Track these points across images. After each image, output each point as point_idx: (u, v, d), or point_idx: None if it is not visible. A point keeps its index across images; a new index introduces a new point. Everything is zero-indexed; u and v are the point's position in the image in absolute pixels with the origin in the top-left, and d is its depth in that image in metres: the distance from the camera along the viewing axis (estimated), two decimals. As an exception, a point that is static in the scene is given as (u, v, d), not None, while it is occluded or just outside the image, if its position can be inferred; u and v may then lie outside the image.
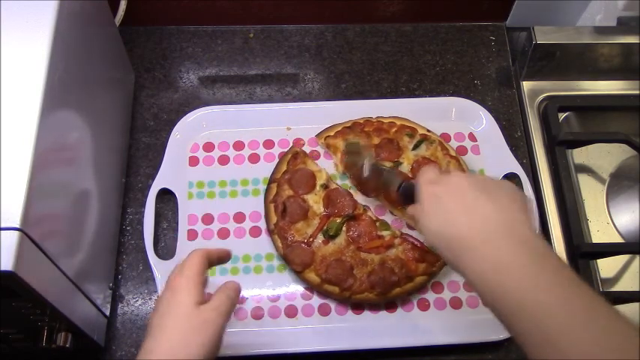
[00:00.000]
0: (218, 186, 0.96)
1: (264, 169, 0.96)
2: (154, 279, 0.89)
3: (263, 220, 0.93)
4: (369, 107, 1.01)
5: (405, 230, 0.93)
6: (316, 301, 0.89)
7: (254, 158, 0.98)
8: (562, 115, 1.04)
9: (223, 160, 0.98)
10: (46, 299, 0.63)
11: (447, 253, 0.64)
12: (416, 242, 0.90)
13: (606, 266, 0.96)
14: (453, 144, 1.00)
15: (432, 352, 0.87)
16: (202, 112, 1.00)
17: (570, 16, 1.11)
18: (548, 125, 1.02)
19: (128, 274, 0.92)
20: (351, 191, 0.95)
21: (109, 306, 0.88)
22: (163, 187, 0.94)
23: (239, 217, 0.94)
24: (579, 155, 1.05)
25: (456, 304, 0.89)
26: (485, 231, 0.61)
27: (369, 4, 1.10)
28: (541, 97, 1.06)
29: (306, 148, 0.99)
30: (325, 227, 0.90)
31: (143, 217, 0.92)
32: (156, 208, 0.93)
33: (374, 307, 0.89)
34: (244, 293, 0.89)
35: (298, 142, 1.00)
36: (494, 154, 0.99)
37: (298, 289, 0.90)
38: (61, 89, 0.68)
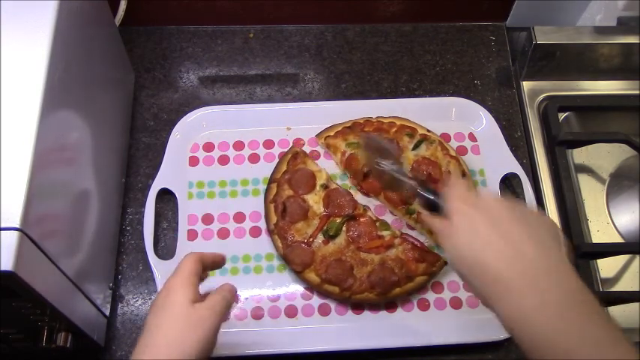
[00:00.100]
0: (218, 186, 0.96)
1: (264, 169, 0.96)
2: (153, 279, 0.89)
3: (263, 220, 0.93)
4: (369, 107, 1.01)
5: (405, 230, 0.93)
6: (316, 301, 0.89)
7: (254, 158, 0.98)
8: (562, 115, 1.04)
9: (223, 160, 0.98)
10: (46, 299, 0.63)
11: (474, 280, 0.61)
12: (416, 242, 0.90)
13: (606, 266, 0.96)
14: (453, 144, 1.00)
15: (432, 352, 0.87)
16: (202, 112, 1.00)
17: (570, 16, 1.11)
18: (548, 125, 1.02)
19: (128, 274, 0.92)
20: (351, 191, 0.95)
21: (109, 306, 0.88)
22: (163, 187, 0.94)
23: (239, 217, 0.94)
24: (579, 155, 1.05)
25: (456, 304, 0.89)
26: (529, 275, 0.57)
27: (369, 4, 1.10)
28: (541, 97, 1.06)
29: (306, 148, 0.99)
30: (325, 227, 0.90)
31: (143, 217, 0.92)
32: (156, 208, 0.93)
33: (374, 307, 0.89)
34: (244, 293, 0.89)
35: (298, 142, 1.00)
36: (494, 154, 0.99)
37: (298, 289, 0.90)
38: (61, 89, 0.68)
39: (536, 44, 1.01)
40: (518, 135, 1.04)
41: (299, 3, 1.09)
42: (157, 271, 0.88)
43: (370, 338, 0.86)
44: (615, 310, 0.92)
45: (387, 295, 0.87)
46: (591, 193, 1.02)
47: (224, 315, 0.67)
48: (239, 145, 0.99)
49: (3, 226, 0.57)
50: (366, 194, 0.96)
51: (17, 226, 0.57)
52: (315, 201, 0.92)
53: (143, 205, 0.93)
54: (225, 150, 0.98)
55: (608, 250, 0.94)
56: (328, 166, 0.97)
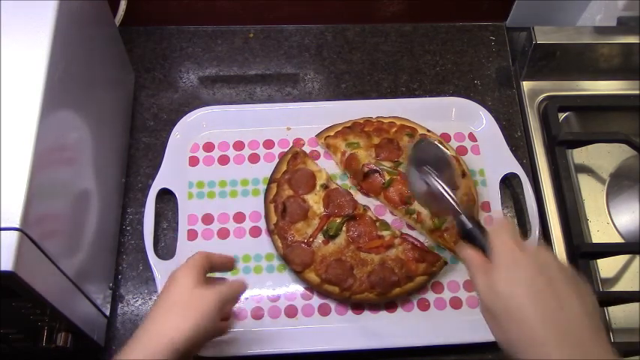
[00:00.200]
0: (218, 186, 0.96)
1: (264, 169, 0.96)
2: (154, 279, 0.89)
3: (263, 220, 0.93)
4: (369, 107, 1.01)
5: (405, 230, 0.93)
6: (316, 301, 0.89)
7: (254, 158, 0.98)
8: (562, 115, 1.04)
9: (223, 160, 0.98)
10: (46, 299, 0.63)
11: (501, 323, 0.58)
12: (416, 242, 0.90)
13: (606, 266, 0.96)
14: (453, 144, 1.00)
15: (432, 352, 0.87)
16: (202, 112, 1.00)
17: (570, 16, 1.11)
18: (548, 125, 1.02)
19: (128, 274, 0.92)
20: (351, 191, 0.95)
21: (109, 306, 0.88)
22: (163, 187, 0.94)
23: (239, 217, 0.94)
24: (579, 155, 1.05)
25: (456, 304, 0.89)
26: (569, 334, 0.55)
27: (369, 4, 1.10)
28: (541, 97, 1.06)
29: (306, 148, 0.99)
30: (325, 227, 0.90)
31: (143, 217, 0.92)
32: (156, 208, 0.93)
33: (374, 307, 0.89)
34: (244, 293, 0.89)
35: (298, 142, 1.00)
36: (494, 154, 0.99)
37: (298, 289, 0.90)
38: (61, 89, 0.68)
39: (536, 44, 1.01)
40: (518, 135, 1.04)
41: (299, 3, 1.09)
42: (157, 271, 0.88)
43: (370, 338, 0.86)
44: (615, 310, 0.92)
45: (387, 295, 0.87)
46: (591, 193, 1.02)
47: (227, 300, 0.69)
48: (239, 145, 0.99)
49: (3, 226, 0.57)
50: (366, 194, 0.96)
51: (17, 226, 0.57)
52: (315, 201, 0.92)
53: (143, 205, 0.93)
54: (225, 150, 0.98)
55: (608, 250, 0.94)
56: (328, 166, 0.97)
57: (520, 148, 1.03)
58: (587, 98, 1.06)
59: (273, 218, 0.91)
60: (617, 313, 0.92)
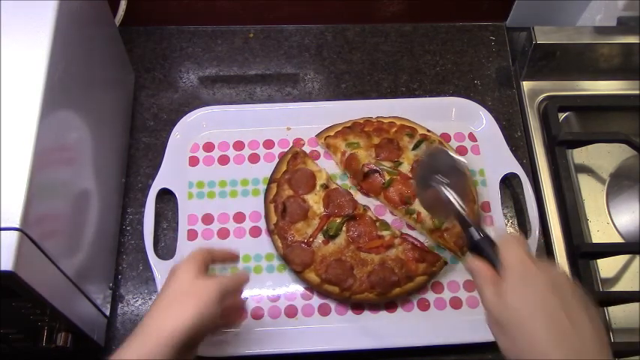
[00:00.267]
0: (218, 186, 0.96)
1: (264, 169, 0.96)
2: (154, 279, 0.89)
3: (263, 220, 0.93)
4: (369, 107, 1.01)
5: (405, 230, 0.93)
6: (316, 301, 0.89)
7: (254, 158, 0.98)
8: (562, 115, 1.04)
9: (223, 160, 0.98)
10: (46, 299, 0.63)
11: (509, 338, 0.58)
12: (416, 242, 0.90)
13: (606, 266, 0.96)
14: (453, 144, 1.00)
15: (432, 352, 0.87)
16: (202, 112, 1.00)
17: (570, 16, 1.11)
18: (548, 125, 1.02)
19: (128, 274, 0.92)
20: (351, 191, 0.95)
21: (109, 306, 0.88)
22: (163, 187, 0.94)
23: (239, 217, 0.94)
24: (579, 155, 1.05)
25: (456, 304, 0.89)
26: (580, 357, 0.55)
27: (369, 4, 1.10)
28: (541, 97, 1.06)
29: (306, 148, 0.99)
30: (325, 227, 0.90)
31: (143, 217, 0.92)
32: (156, 208, 0.93)
33: (374, 307, 0.89)
34: (244, 293, 0.89)
35: (298, 142, 1.00)
36: (494, 154, 0.99)
37: (298, 289, 0.90)
38: (61, 89, 0.68)
39: (536, 44, 1.01)
40: (518, 135, 1.04)
41: (299, 3, 1.09)
42: (157, 271, 0.88)
43: (370, 338, 0.86)
44: (615, 310, 0.92)
45: (387, 295, 0.87)
46: (591, 193, 1.02)
47: (228, 290, 0.69)
48: (239, 145, 0.99)
49: (3, 226, 0.57)
50: (366, 194, 0.96)
51: (17, 226, 0.57)
52: (315, 201, 0.92)
53: (143, 205, 0.93)
54: (225, 150, 0.98)
55: (608, 250, 0.94)
56: (328, 166, 0.97)
57: (520, 148, 1.03)
58: (587, 98, 1.06)
59: (273, 218, 0.91)
60: (617, 313, 0.92)
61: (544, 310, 0.57)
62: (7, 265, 0.55)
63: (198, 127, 0.99)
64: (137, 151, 1.00)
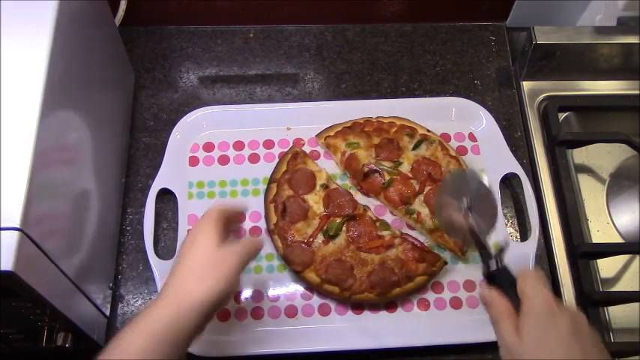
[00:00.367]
0: (218, 186, 0.96)
1: (264, 169, 0.96)
2: (154, 279, 0.89)
3: (263, 220, 0.93)
4: (369, 107, 1.01)
5: (405, 230, 0.93)
6: (316, 301, 0.89)
7: (254, 158, 0.98)
8: (562, 115, 1.04)
9: (223, 160, 0.98)
10: (46, 299, 0.63)
11: None
12: (416, 242, 0.90)
13: (606, 266, 0.96)
14: (453, 144, 1.00)
15: (432, 352, 0.87)
16: (202, 112, 1.00)
17: (570, 16, 1.11)
18: (548, 125, 1.02)
19: (128, 274, 0.92)
20: (351, 191, 0.95)
21: (109, 306, 0.88)
22: (163, 187, 0.94)
23: (239, 217, 0.94)
24: (579, 155, 1.05)
25: (456, 304, 0.89)
26: None
27: (369, 4, 1.10)
28: (541, 97, 1.06)
29: (306, 148, 0.99)
30: (325, 227, 0.90)
31: (143, 217, 0.92)
32: (156, 208, 0.93)
33: (374, 307, 0.89)
34: (244, 293, 0.89)
35: (298, 142, 1.00)
36: (494, 154, 0.99)
37: (298, 289, 0.90)
38: (61, 89, 0.68)
39: (536, 44, 1.01)
40: (518, 135, 1.04)
41: (299, 3, 1.09)
42: (157, 271, 0.88)
43: (370, 338, 0.86)
44: (615, 310, 0.92)
45: (387, 295, 0.87)
46: (591, 193, 1.02)
47: (247, 261, 0.71)
48: (239, 145, 0.99)
49: (3, 226, 0.57)
50: (366, 194, 0.96)
51: (17, 226, 0.57)
52: (315, 201, 0.92)
53: (143, 205, 0.93)
54: (225, 150, 0.98)
55: (608, 250, 0.94)
56: (328, 166, 0.97)
57: (520, 148, 1.03)
58: (587, 98, 1.06)
59: (273, 218, 0.91)
60: (617, 313, 0.92)
61: (565, 357, 0.56)
62: (7, 265, 0.55)
63: (198, 127, 0.99)
64: (137, 151, 1.00)
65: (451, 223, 0.76)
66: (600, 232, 0.99)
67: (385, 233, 0.91)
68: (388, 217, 0.94)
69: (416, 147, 0.96)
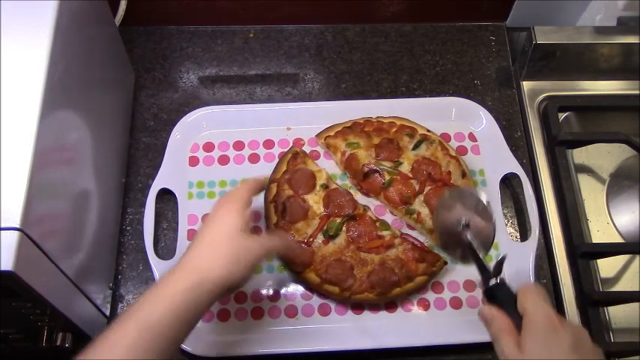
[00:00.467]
0: (218, 186, 0.96)
1: (264, 169, 0.96)
2: (154, 279, 0.89)
3: (263, 220, 0.93)
4: (369, 107, 1.01)
5: (405, 230, 0.93)
6: (316, 301, 0.89)
7: (254, 158, 0.98)
8: (562, 115, 1.04)
9: (223, 160, 0.98)
10: (46, 299, 0.63)
11: None
12: (416, 242, 0.90)
13: (606, 266, 0.96)
14: (453, 144, 1.00)
15: (432, 352, 0.87)
16: (202, 112, 1.00)
17: (570, 16, 1.11)
18: (548, 125, 1.02)
19: (128, 274, 0.92)
20: (351, 191, 0.95)
21: (109, 306, 0.88)
22: (163, 187, 0.94)
23: (239, 217, 0.94)
24: (579, 155, 1.05)
25: (456, 304, 0.89)
26: None
27: (369, 4, 1.10)
28: (541, 97, 1.06)
29: (306, 148, 0.99)
30: (325, 227, 0.90)
31: (143, 217, 0.92)
32: (156, 208, 0.93)
33: (374, 307, 0.89)
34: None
35: (298, 142, 1.00)
36: (494, 154, 0.99)
37: (298, 289, 0.90)
38: (61, 89, 0.68)
39: (536, 44, 1.01)
40: (518, 135, 1.04)
41: (299, 3, 1.09)
42: (157, 271, 0.88)
43: (370, 338, 0.86)
44: (615, 310, 0.92)
45: (387, 295, 0.87)
46: (591, 193, 1.02)
47: (269, 251, 0.74)
48: (239, 145, 0.99)
49: (3, 226, 0.57)
50: (366, 194, 0.96)
51: (17, 226, 0.57)
52: (315, 201, 0.92)
53: (143, 205, 0.93)
54: (225, 150, 0.98)
55: (608, 250, 0.94)
56: (328, 166, 0.97)
57: (520, 148, 1.03)
58: (587, 98, 1.06)
59: (273, 218, 0.91)
60: (617, 313, 0.92)
61: None
62: (7, 265, 0.55)
63: (198, 127, 0.99)
64: (137, 151, 1.00)
65: (449, 240, 0.78)
66: (600, 232, 0.99)
67: (385, 233, 0.91)
68: (388, 217, 0.94)
69: (416, 147, 0.96)
